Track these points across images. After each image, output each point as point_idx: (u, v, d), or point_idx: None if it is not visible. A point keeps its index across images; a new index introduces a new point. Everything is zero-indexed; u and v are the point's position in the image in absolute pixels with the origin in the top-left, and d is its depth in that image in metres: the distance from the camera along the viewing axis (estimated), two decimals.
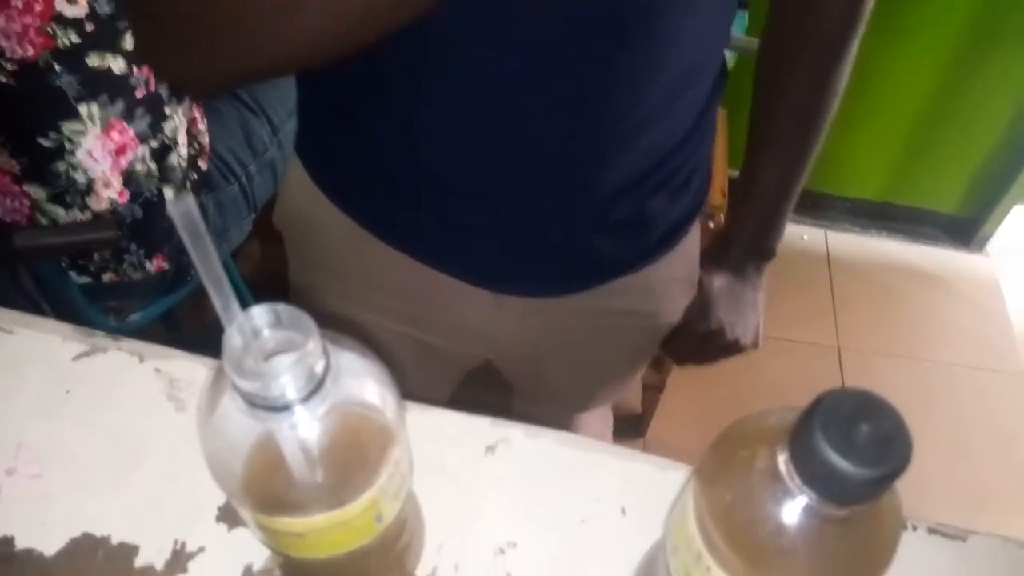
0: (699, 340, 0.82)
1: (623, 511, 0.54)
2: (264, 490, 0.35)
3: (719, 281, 0.81)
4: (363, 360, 0.36)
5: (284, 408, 0.31)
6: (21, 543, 0.50)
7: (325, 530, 0.37)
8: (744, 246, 0.80)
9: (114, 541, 0.51)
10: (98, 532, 0.51)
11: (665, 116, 0.61)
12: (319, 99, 0.66)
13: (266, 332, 0.31)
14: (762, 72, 0.73)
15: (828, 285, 2.09)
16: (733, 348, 0.83)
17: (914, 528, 0.54)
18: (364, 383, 0.36)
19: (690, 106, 0.63)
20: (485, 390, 0.93)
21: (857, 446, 0.30)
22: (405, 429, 0.39)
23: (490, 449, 0.56)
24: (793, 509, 0.33)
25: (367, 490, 0.36)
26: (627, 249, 0.70)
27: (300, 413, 0.32)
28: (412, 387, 0.85)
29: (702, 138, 0.68)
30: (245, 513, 0.37)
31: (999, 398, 1.90)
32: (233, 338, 0.31)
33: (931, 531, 0.54)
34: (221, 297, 0.31)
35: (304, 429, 0.33)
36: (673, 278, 0.77)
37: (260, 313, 0.31)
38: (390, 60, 0.55)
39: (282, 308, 0.31)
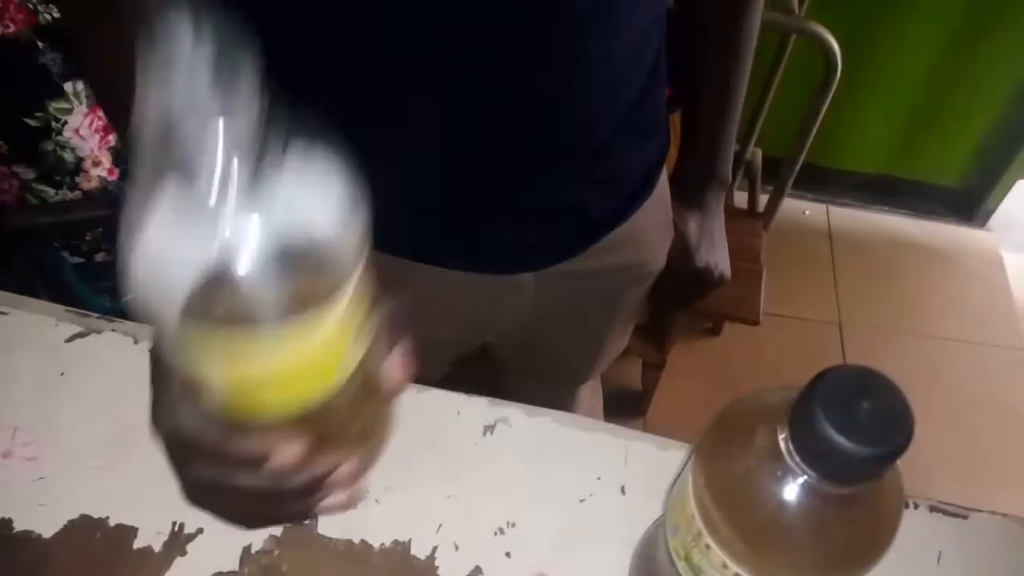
0: (686, 282, 0.84)
1: (623, 490, 0.54)
2: (206, 302, 0.29)
3: (693, 220, 0.83)
4: (330, 168, 0.31)
5: (219, 188, 0.26)
6: (19, 526, 0.50)
7: (278, 370, 0.32)
8: (701, 179, 0.82)
9: (112, 523, 0.50)
10: (96, 514, 0.51)
11: (636, 64, 0.62)
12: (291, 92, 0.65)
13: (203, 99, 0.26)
14: (681, 5, 0.75)
15: (830, 260, 2.08)
16: (719, 283, 0.86)
17: (915, 506, 0.54)
18: (328, 192, 0.30)
19: (652, 50, 0.64)
20: (475, 369, 0.93)
21: (858, 424, 0.30)
22: (366, 281, 0.34)
23: (489, 429, 0.56)
24: (793, 488, 0.33)
25: (326, 309, 0.30)
26: (610, 204, 0.71)
27: (237, 200, 0.27)
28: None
29: (659, 82, 0.69)
30: (192, 355, 0.31)
31: (1002, 373, 1.90)
32: (163, 101, 0.26)
33: (932, 509, 0.54)
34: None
35: (245, 224, 0.27)
36: (653, 223, 0.78)
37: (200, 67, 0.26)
38: (353, 37, 0.53)
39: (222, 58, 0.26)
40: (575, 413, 0.65)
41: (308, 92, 0.61)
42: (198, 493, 0.40)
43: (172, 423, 0.38)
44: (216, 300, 0.28)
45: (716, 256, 0.84)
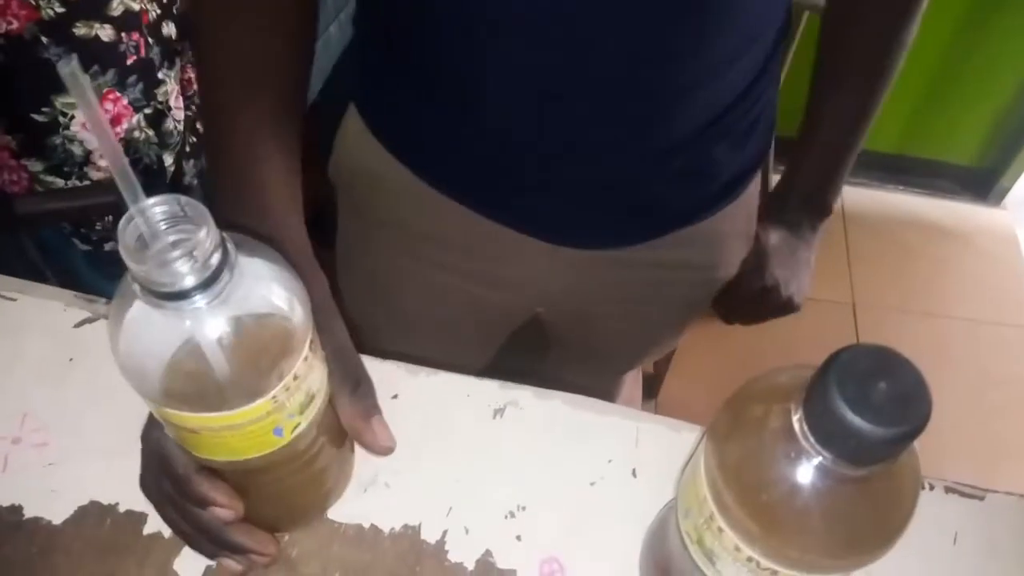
0: (752, 297, 0.80)
1: (634, 472, 0.53)
2: (164, 384, 0.35)
3: (776, 236, 0.79)
4: (275, 268, 0.37)
5: (178, 296, 0.31)
6: (29, 511, 0.50)
7: (219, 431, 0.38)
8: (802, 201, 0.78)
9: (122, 509, 0.50)
10: (105, 500, 0.51)
11: (741, 59, 0.59)
12: (379, 53, 0.66)
13: (164, 224, 0.32)
14: (828, 23, 0.71)
15: (843, 240, 2.06)
16: (786, 307, 0.81)
17: (931, 487, 0.53)
18: (272, 290, 0.36)
19: (762, 48, 0.62)
20: (519, 355, 0.92)
21: (874, 404, 0.29)
22: (317, 350, 0.40)
23: (499, 412, 0.56)
24: (807, 469, 0.32)
25: (257, 398, 0.36)
26: (688, 200, 0.69)
27: (197, 305, 0.32)
28: (461, 344, 0.84)
29: (766, 86, 0.66)
30: (150, 404, 0.38)
31: (1017, 353, 1.88)
32: (130, 225, 0.31)
33: (948, 490, 0.53)
34: (125, 182, 0.31)
35: (202, 324, 0.33)
36: (732, 231, 0.75)
37: (160, 202, 0.32)
38: (448, 10, 0.54)
39: (183, 199, 0.32)
40: (614, 401, 0.64)
41: (399, 68, 0.62)
42: (155, 495, 0.47)
43: (155, 441, 0.44)
44: (177, 378, 0.35)
45: (790, 279, 0.79)
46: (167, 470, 0.44)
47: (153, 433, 0.45)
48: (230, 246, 0.33)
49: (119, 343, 0.35)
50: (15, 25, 0.92)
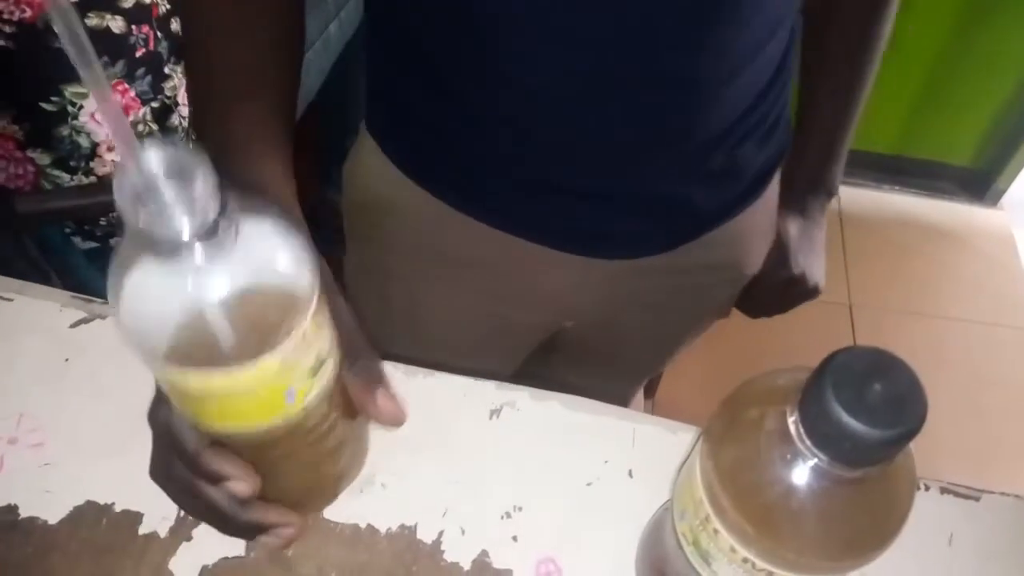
0: (780, 289, 0.82)
1: (630, 473, 0.53)
2: (170, 344, 0.34)
3: (794, 225, 0.80)
4: (280, 228, 0.36)
5: (175, 245, 0.30)
6: (25, 511, 0.50)
7: (228, 396, 0.36)
8: (808, 185, 0.80)
9: (118, 508, 0.50)
10: (101, 500, 0.51)
11: (760, 56, 0.59)
12: (395, 74, 0.65)
13: (161, 175, 0.30)
14: (807, 19, 0.72)
15: (840, 241, 2.06)
16: (813, 293, 0.83)
17: (926, 488, 0.53)
18: (277, 249, 0.35)
19: (778, 47, 0.62)
20: (537, 364, 0.92)
21: (870, 406, 0.29)
22: (326, 315, 0.39)
23: (495, 412, 0.56)
24: (803, 471, 0.32)
25: (265, 352, 0.34)
26: (719, 200, 0.69)
27: (196, 255, 0.31)
28: (484, 361, 0.84)
29: (785, 82, 0.67)
30: (157, 372, 0.37)
31: (1014, 354, 1.88)
32: (127, 177, 0.30)
33: (944, 491, 0.53)
34: (123, 139, 0.30)
35: (203, 277, 0.32)
36: (757, 228, 0.76)
37: (156, 152, 0.30)
38: (467, 11, 0.53)
39: (179, 149, 0.31)
40: (627, 406, 0.64)
41: (416, 82, 0.62)
42: (167, 481, 0.45)
43: (164, 419, 0.42)
44: (182, 337, 0.33)
45: (812, 265, 0.81)
46: (176, 448, 0.42)
47: (160, 413, 0.43)
48: (229, 198, 0.32)
49: (122, 306, 0.33)
50: (28, 13, 0.92)
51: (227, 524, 0.43)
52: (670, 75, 0.56)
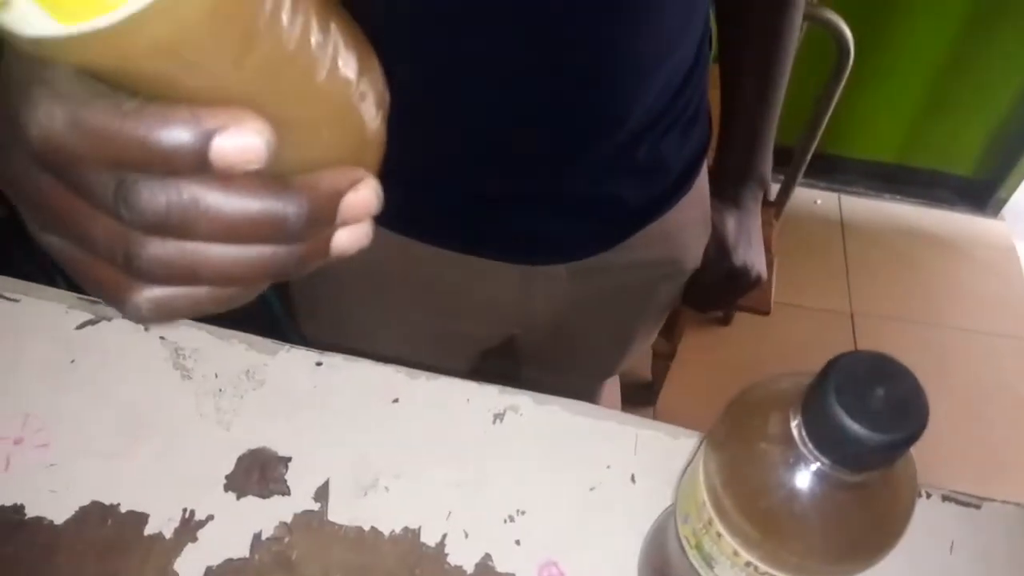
0: (722, 282, 0.83)
1: (633, 478, 0.54)
2: None
3: (730, 218, 0.81)
4: None
5: None
6: (31, 511, 0.50)
7: None
8: (738, 176, 0.81)
9: (123, 509, 0.51)
10: (107, 500, 0.51)
11: (681, 43, 0.60)
12: None
13: None
14: (719, 19, 0.74)
15: (841, 250, 2.07)
16: (756, 283, 0.84)
17: (928, 495, 0.54)
18: None
19: (694, 36, 0.63)
20: (496, 358, 0.92)
21: (872, 410, 0.29)
22: None
23: (498, 416, 0.56)
24: (806, 475, 0.32)
25: None
26: (647, 196, 0.70)
27: None
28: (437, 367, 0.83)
29: (703, 71, 0.68)
30: None
31: (1014, 363, 1.88)
32: None
33: (945, 498, 0.54)
34: None
35: None
36: (691, 219, 0.77)
37: None
38: (395, 10, 0.52)
39: None
40: (596, 403, 0.65)
41: None
42: (65, 221, 0.24)
43: (55, 127, 0.21)
44: None
45: (753, 256, 0.82)
46: (79, 129, 0.21)
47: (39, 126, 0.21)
48: None
49: None
50: None
51: (270, 250, 0.24)
52: (592, 69, 0.56)
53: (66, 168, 0.22)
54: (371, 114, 0.27)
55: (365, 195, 0.26)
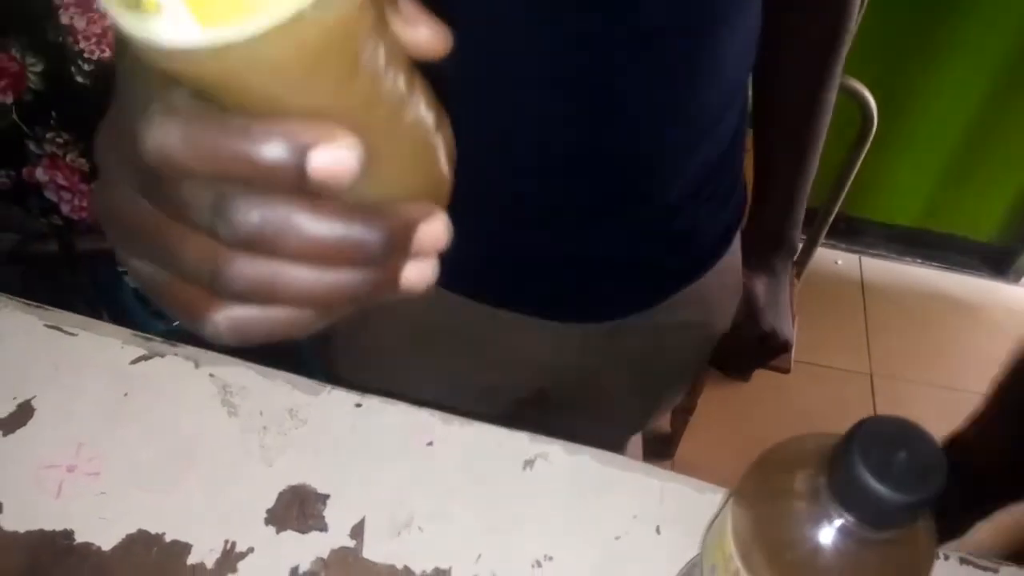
0: (751, 346, 0.84)
1: (658, 529, 0.55)
2: None
3: (760, 285, 0.83)
4: None
5: None
6: (80, 537, 0.52)
7: None
8: (770, 244, 0.83)
9: (168, 539, 0.53)
10: (153, 530, 0.53)
11: (720, 122, 0.62)
12: None
13: None
14: (759, 70, 0.75)
15: (862, 311, 2.08)
16: (783, 348, 0.85)
17: (946, 557, 0.55)
18: None
19: (733, 117, 0.65)
20: (528, 407, 0.93)
21: (895, 472, 0.31)
22: None
23: (529, 463, 0.58)
24: (830, 531, 0.34)
25: None
26: (685, 260, 0.72)
27: None
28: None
29: (740, 143, 0.70)
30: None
31: None
32: None
33: (963, 561, 0.55)
34: None
35: None
36: (724, 285, 0.78)
37: None
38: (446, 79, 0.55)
39: None
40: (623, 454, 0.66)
41: None
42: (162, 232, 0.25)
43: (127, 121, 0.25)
44: None
45: (781, 322, 0.84)
46: (190, 141, 0.22)
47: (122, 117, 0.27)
48: None
49: None
50: (108, 54, 0.96)
51: (348, 274, 0.25)
52: (642, 146, 0.58)
53: (170, 184, 0.24)
54: (443, 162, 0.30)
55: (437, 228, 0.26)
